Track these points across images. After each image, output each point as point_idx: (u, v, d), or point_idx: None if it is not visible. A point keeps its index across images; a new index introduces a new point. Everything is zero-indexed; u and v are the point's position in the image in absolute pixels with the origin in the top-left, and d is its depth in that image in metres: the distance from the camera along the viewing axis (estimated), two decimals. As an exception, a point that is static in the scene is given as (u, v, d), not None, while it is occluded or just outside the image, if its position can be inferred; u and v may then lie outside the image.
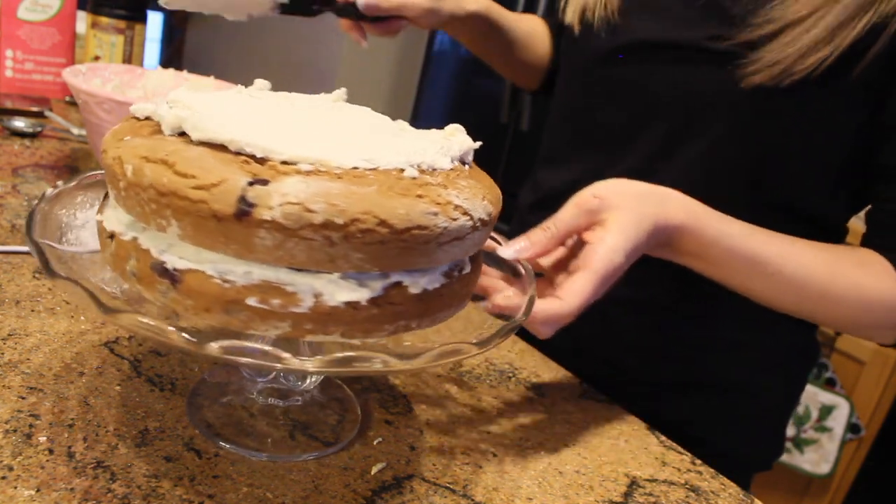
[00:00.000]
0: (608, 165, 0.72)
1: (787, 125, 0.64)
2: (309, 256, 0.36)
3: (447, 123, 0.48)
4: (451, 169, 0.43)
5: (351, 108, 0.48)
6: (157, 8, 0.71)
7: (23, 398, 0.45)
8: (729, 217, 0.58)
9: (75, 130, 0.97)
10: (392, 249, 0.36)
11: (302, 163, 0.37)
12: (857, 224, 0.69)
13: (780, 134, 0.65)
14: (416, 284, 0.40)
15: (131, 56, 1.12)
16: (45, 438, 0.42)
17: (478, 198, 0.41)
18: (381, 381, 0.57)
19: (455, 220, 0.38)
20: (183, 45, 3.59)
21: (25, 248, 0.62)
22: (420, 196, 0.37)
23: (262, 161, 0.36)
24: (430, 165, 0.41)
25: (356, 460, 0.47)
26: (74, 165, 0.88)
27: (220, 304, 0.36)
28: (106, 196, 0.44)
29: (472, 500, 0.46)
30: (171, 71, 0.89)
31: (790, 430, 1.75)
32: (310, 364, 0.36)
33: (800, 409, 1.75)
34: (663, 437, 0.59)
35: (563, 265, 0.54)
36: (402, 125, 0.48)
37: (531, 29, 0.91)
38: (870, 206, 0.66)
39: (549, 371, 0.65)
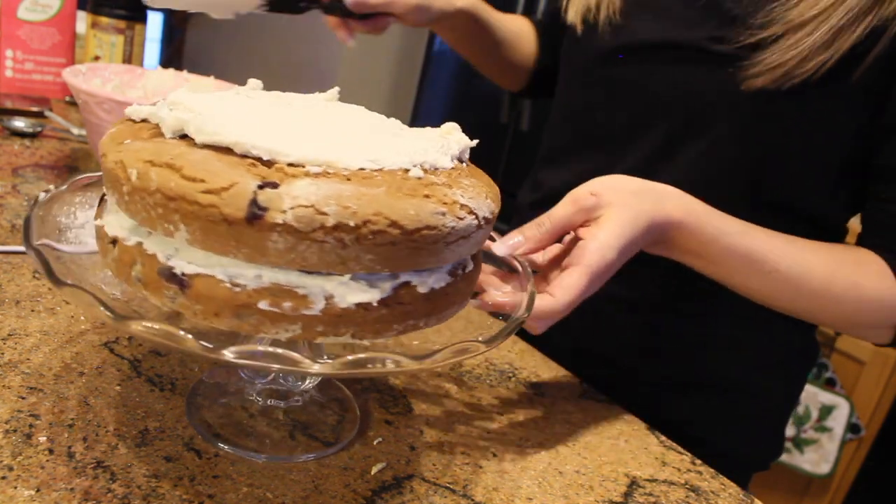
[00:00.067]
0: (608, 165, 0.72)
1: (787, 127, 0.64)
2: (320, 259, 0.36)
3: (447, 123, 0.48)
4: (453, 168, 0.43)
5: (345, 108, 0.49)
6: (157, 8, 0.71)
7: (23, 398, 0.45)
8: (727, 215, 0.58)
9: (75, 130, 0.97)
10: (402, 250, 0.37)
11: (310, 165, 0.37)
12: (856, 224, 0.69)
13: (779, 135, 0.65)
14: (424, 284, 0.40)
15: (131, 56, 1.12)
16: (45, 438, 0.42)
17: (481, 196, 0.42)
18: (380, 382, 0.57)
19: (462, 219, 0.39)
20: (183, 45, 3.59)
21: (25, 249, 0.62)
22: (427, 196, 0.38)
23: (268, 163, 0.36)
24: (432, 165, 0.41)
25: (356, 460, 0.47)
26: (74, 165, 0.88)
27: (231, 308, 0.36)
28: (102, 200, 0.44)
29: (472, 500, 0.46)
30: (171, 71, 0.89)
31: (790, 430, 1.75)
32: (325, 367, 0.36)
33: (800, 409, 1.75)
34: (663, 437, 0.59)
35: (558, 262, 0.54)
36: (398, 124, 0.48)
37: (518, 29, 0.91)
38: (867, 207, 0.66)
39: (548, 371, 0.65)
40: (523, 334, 0.69)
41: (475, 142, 0.47)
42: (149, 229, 0.38)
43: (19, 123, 0.94)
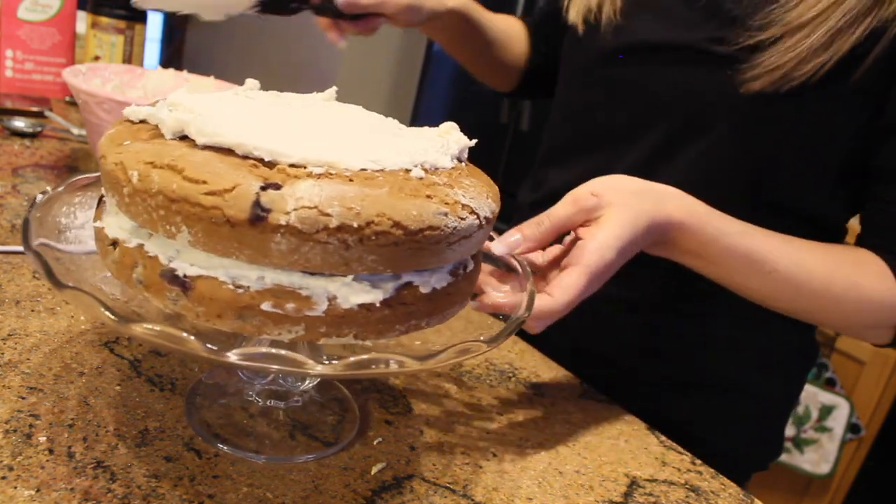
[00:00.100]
0: (608, 165, 0.72)
1: (787, 128, 0.64)
2: (323, 260, 0.36)
3: (447, 123, 0.48)
4: (453, 168, 0.43)
5: (344, 107, 0.49)
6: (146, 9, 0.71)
7: (23, 398, 0.45)
8: (727, 215, 0.58)
9: (75, 130, 0.97)
10: (405, 251, 0.37)
11: (312, 166, 0.36)
12: (856, 224, 0.69)
13: (779, 136, 0.65)
14: (426, 284, 0.40)
15: (131, 56, 1.12)
16: (44, 438, 0.42)
17: (482, 196, 0.42)
18: (380, 382, 0.57)
19: (463, 219, 0.39)
20: (183, 45, 3.59)
21: (25, 248, 0.62)
22: (429, 196, 0.38)
23: (270, 165, 0.36)
24: (432, 165, 0.42)
25: (356, 460, 0.47)
26: (74, 165, 0.88)
27: (233, 309, 0.36)
28: (100, 202, 0.44)
29: (472, 500, 0.46)
30: (171, 71, 0.89)
31: (790, 430, 1.75)
32: (329, 369, 0.36)
33: (800, 409, 1.75)
34: (663, 437, 0.59)
35: (558, 263, 0.54)
36: (396, 123, 0.48)
37: (509, 29, 0.91)
38: (866, 207, 0.66)
39: (549, 371, 0.65)
40: (523, 334, 0.69)
41: (474, 141, 0.47)
42: (150, 231, 0.38)
43: (19, 123, 0.94)
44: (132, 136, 0.40)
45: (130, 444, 0.43)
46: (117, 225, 0.40)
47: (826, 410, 1.72)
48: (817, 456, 1.74)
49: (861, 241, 0.65)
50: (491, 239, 0.52)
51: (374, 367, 0.37)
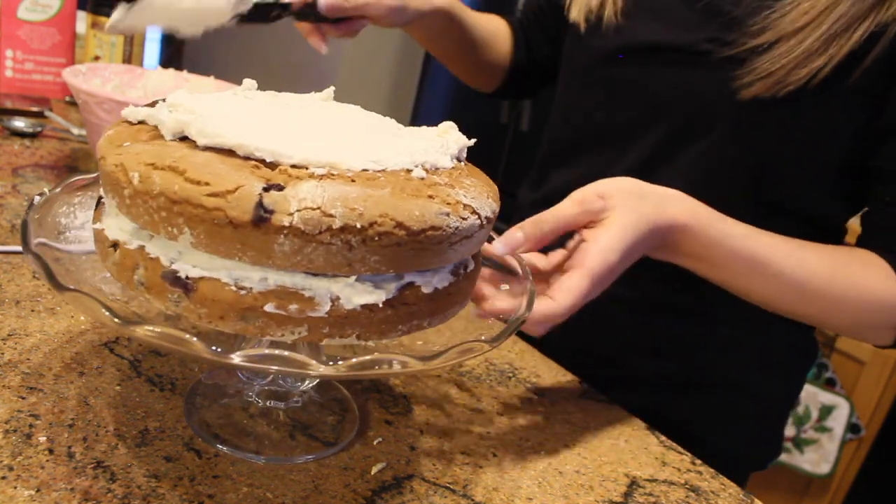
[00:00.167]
0: (608, 165, 0.72)
1: (786, 129, 0.64)
2: (326, 261, 0.36)
3: (447, 124, 0.48)
4: (453, 168, 0.43)
5: (342, 107, 0.49)
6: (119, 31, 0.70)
7: (22, 398, 0.45)
8: (730, 218, 0.57)
9: (75, 130, 0.97)
10: (407, 251, 0.37)
11: (313, 166, 0.36)
12: (856, 224, 0.69)
13: (778, 137, 0.65)
14: (427, 284, 0.40)
15: (131, 56, 1.12)
16: (44, 438, 0.42)
17: (483, 196, 0.42)
18: (380, 382, 0.57)
19: (465, 219, 0.39)
20: (183, 45, 3.58)
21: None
22: (431, 197, 0.38)
23: (272, 165, 0.36)
24: (433, 165, 0.42)
25: (356, 460, 0.47)
26: (74, 165, 0.88)
27: (236, 311, 0.36)
28: (99, 203, 0.44)
29: (472, 500, 0.46)
30: (171, 71, 0.90)
31: (790, 430, 1.75)
32: (332, 370, 0.36)
33: (800, 409, 1.75)
34: (663, 437, 0.59)
35: (561, 268, 0.54)
36: (395, 123, 0.48)
37: (494, 28, 0.90)
38: (867, 208, 0.66)
39: (549, 371, 0.65)
40: (523, 334, 0.69)
41: (473, 141, 0.47)
42: (151, 233, 0.38)
43: (19, 123, 0.94)
44: (131, 138, 0.40)
45: (130, 444, 0.43)
46: (117, 226, 0.40)
47: (826, 410, 1.72)
48: (817, 456, 1.74)
49: (862, 242, 0.65)
50: (491, 239, 0.52)
51: (377, 367, 0.37)
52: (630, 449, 0.56)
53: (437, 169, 0.42)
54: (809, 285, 0.59)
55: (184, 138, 0.38)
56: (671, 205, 0.55)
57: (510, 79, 0.93)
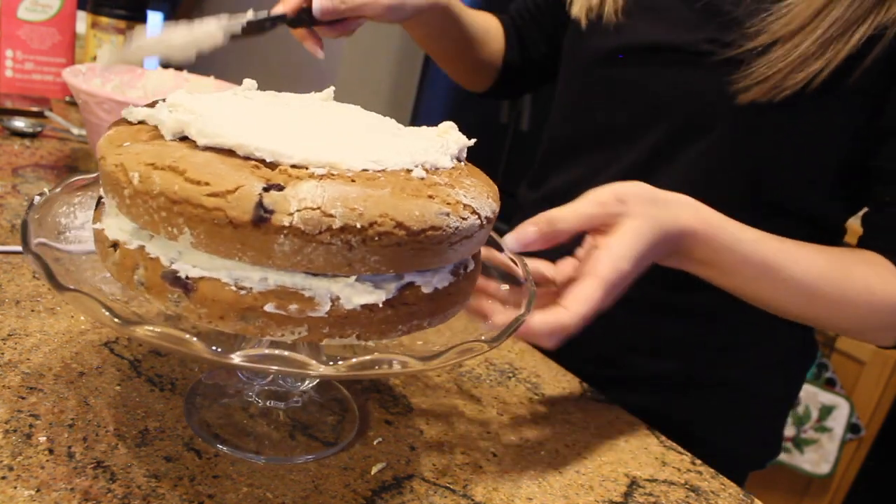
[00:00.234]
0: (608, 165, 0.72)
1: (785, 131, 0.64)
2: (326, 261, 0.36)
3: (447, 123, 0.48)
4: (453, 167, 0.43)
5: (341, 107, 0.49)
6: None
7: (22, 398, 0.45)
8: (740, 223, 0.57)
9: (75, 130, 0.97)
10: (407, 251, 0.37)
11: (313, 166, 0.36)
12: (856, 224, 0.69)
13: (778, 138, 0.65)
14: (427, 284, 0.40)
15: (131, 56, 1.12)
16: (44, 438, 0.42)
17: (483, 196, 0.42)
18: (380, 382, 0.57)
19: (465, 219, 0.39)
20: (183, 45, 3.58)
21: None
22: (431, 197, 0.38)
23: (272, 165, 0.36)
24: (433, 165, 0.42)
25: (356, 460, 0.47)
26: (74, 165, 0.88)
27: (236, 311, 0.36)
28: (98, 203, 0.44)
29: (472, 500, 0.46)
30: (171, 71, 0.90)
31: (790, 430, 1.75)
32: (332, 370, 0.36)
33: (800, 409, 1.75)
34: (663, 437, 0.59)
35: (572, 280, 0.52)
36: (394, 123, 0.48)
37: (488, 26, 0.90)
38: (867, 209, 0.66)
39: (549, 371, 0.65)
40: (523, 334, 0.69)
41: (472, 141, 0.47)
42: (151, 233, 0.38)
43: (19, 123, 0.94)
44: (131, 138, 0.40)
45: (130, 444, 0.43)
46: (117, 226, 0.40)
47: (826, 410, 1.72)
48: (817, 456, 1.74)
49: (863, 242, 0.65)
50: (490, 239, 0.52)
51: (377, 367, 0.37)
52: (630, 449, 0.56)
53: (437, 169, 0.42)
54: (818, 289, 0.58)
55: (184, 138, 0.38)
56: (684, 212, 0.54)
57: (502, 78, 0.92)
